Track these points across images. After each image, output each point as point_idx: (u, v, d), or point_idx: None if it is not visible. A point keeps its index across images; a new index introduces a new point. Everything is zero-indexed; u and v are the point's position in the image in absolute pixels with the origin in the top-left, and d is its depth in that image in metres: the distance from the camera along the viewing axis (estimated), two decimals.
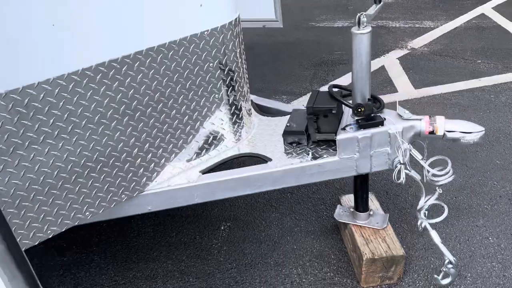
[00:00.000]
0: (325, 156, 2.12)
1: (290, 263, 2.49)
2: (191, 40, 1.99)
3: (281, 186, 2.13)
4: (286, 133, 2.24)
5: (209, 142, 2.22)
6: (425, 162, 2.05)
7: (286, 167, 2.09)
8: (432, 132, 2.06)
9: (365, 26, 1.96)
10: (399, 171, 2.05)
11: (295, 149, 2.22)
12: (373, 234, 2.35)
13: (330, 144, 2.20)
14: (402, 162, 2.04)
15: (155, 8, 1.86)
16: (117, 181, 1.95)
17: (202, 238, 2.74)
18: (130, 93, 1.86)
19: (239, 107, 2.28)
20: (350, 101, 2.16)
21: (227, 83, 2.17)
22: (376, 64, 4.89)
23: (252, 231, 2.75)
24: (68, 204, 1.81)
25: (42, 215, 1.74)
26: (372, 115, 2.08)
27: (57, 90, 1.66)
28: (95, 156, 1.84)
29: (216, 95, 2.16)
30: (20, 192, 1.66)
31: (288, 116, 2.51)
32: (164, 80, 1.94)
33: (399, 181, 2.06)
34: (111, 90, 1.80)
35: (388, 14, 6.67)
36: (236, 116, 2.28)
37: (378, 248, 2.26)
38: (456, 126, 2.05)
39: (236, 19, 2.14)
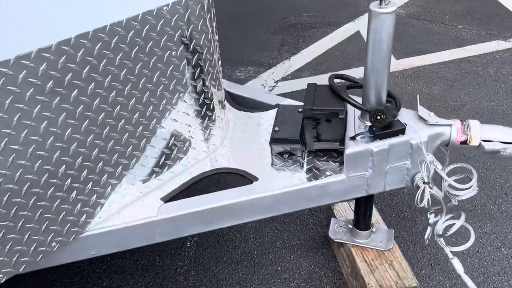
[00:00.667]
0: (327, 173, 1.62)
1: None
2: (143, 18, 1.36)
3: (272, 215, 1.62)
4: (275, 141, 1.70)
5: (170, 148, 1.64)
6: (445, 172, 1.61)
7: (278, 190, 1.57)
8: (464, 142, 1.60)
9: (389, 2, 1.41)
10: (423, 192, 1.60)
11: (286, 162, 1.70)
12: (378, 258, 1.93)
13: (332, 154, 1.70)
14: (426, 180, 1.59)
15: None
16: (43, 226, 1.35)
17: (164, 260, 2.21)
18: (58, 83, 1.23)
19: (209, 95, 1.69)
20: (359, 100, 1.65)
21: (193, 63, 1.57)
22: (350, 29, 4.37)
23: (225, 248, 2.26)
24: None
25: None
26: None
27: None
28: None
29: (178, 81, 1.55)
30: None
31: (271, 112, 1.96)
32: (101, 65, 1.32)
33: (421, 205, 1.61)
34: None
35: None
36: (206, 108, 1.70)
37: (386, 277, 1.85)
38: (495, 134, 1.60)
39: None
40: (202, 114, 1.70)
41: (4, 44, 1.12)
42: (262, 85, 3.64)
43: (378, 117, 1.49)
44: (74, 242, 1.46)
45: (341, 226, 2.07)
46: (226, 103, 1.95)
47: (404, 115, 1.64)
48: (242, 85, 3.53)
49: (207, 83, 1.66)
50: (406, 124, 1.57)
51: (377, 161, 1.57)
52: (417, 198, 1.60)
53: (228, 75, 3.67)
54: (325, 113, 1.59)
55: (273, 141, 1.70)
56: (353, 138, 1.58)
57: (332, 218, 2.11)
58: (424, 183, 1.59)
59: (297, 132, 1.69)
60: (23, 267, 1.35)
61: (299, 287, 2.06)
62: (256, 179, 1.63)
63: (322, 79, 3.59)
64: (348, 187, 1.61)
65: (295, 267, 2.16)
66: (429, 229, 1.77)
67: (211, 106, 1.72)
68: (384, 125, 1.53)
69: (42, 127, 1.24)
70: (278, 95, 3.52)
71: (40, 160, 1.27)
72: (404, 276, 1.84)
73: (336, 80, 1.75)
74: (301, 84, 3.55)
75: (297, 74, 3.73)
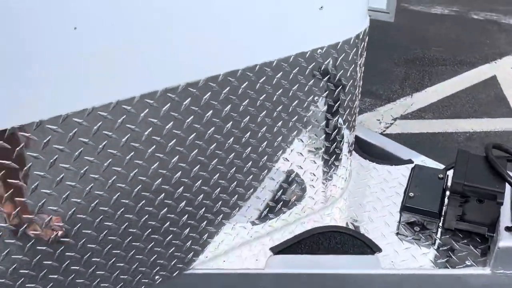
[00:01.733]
0: (467, 262, 1.36)
1: None
2: (295, 60, 1.23)
3: None
4: (408, 209, 1.48)
5: (288, 195, 1.50)
6: None
7: (406, 271, 1.36)
8: None
9: None
10: None
11: (416, 235, 1.47)
12: None
13: (474, 238, 1.44)
14: None
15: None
16: (152, 259, 1.29)
17: None
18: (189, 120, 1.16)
19: (341, 144, 1.53)
20: None
21: (333, 110, 1.42)
22: (484, 72, 3.92)
23: None
24: None
25: None
26: None
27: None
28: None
29: (313, 128, 1.41)
30: None
31: (402, 169, 1.74)
32: (242, 105, 1.22)
33: None
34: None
35: (499, 5, 5.51)
36: (334, 158, 1.53)
37: None
38: None
39: (365, 30, 1.36)
40: (329, 163, 1.54)
41: (151, 78, 1.06)
42: (377, 120, 3.38)
43: None
44: (176, 277, 1.38)
45: None
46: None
47: None
48: (358, 117, 3.33)
49: (342, 128, 1.50)
50: None
51: None
52: None
53: None
54: (479, 193, 1.34)
55: (406, 208, 1.48)
56: (510, 228, 1.31)
57: None
58: None
59: (435, 204, 1.46)
60: None
61: None
62: (378, 249, 1.43)
63: (448, 125, 3.24)
64: (491, 285, 1.34)
65: None
66: None
67: (340, 156, 1.55)
68: None
69: (173, 161, 1.17)
70: (395, 135, 3.27)
71: (163, 194, 1.20)
72: None
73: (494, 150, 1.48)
74: (423, 126, 3.24)
75: (419, 114, 3.41)
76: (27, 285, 1.09)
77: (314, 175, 1.52)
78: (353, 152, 1.84)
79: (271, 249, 1.46)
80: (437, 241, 1.45)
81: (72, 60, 0.94)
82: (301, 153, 1.44)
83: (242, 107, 1.20)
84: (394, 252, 1.42)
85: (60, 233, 1.09)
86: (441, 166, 1.71)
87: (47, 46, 0.90)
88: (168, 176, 1.19)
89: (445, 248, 1.42)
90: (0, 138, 0.93)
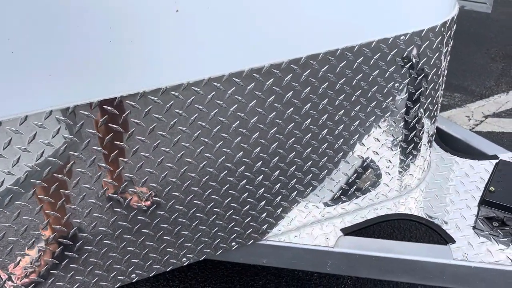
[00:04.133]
0: None
1: None
2: (377, 46, 1.27)
3: (460, 287, 1.40)
4: (487, 203, 1.44)
5: (363, 180, 1.53)
6: None
7: (479, 264, 1.34)
8: None
9: None
10: None
11: (494, 231, 1.43)
12: None
13: None
14: None
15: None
16: (230, 226, 1.41)
17: (321, 281, 2.15)
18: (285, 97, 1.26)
19: (420, 132, 1.53)
20: None
21: (413, 98, 1.42)
22: None
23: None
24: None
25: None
26: None
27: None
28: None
29: (392, 113, 1.43)
30: None
31: (486, 164, 1.68)
32: (321, 88, 1.28)
33: None
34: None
35: None
36: (412, 146, 1.54)
37: None
38: None
39: (452, 18, 1.34)
40: (406, 152, 1.54)
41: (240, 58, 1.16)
42: (467, 116, 3.22)
43: None
44: (250, 246, 1.49)
45: None
46: (433, 140, 1.75)
47: None
48: (446, 113, 3.20)
49: (421, 120, 1.49)
50: None
51: None
52: None
53: None
54: None
55: (485, 202, 1.44)
56: None
57: None
58: None
59: None
60: (203, 256, 1.44)
61: None
62: (452, 240, 1.42)
63: None
64: None
65: None
66: None
67: (419, 145, 1.55)
68: None
69: (253, 136, 1.28)
70: (485, 133, 3.09)
71: (243, 166, 1.31)
72: None
73: None
74: None
75: None
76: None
77: (390, 162, 1.53)
78: (435, 144, 1.81)
79: (342, 230, 1.52)
80: None
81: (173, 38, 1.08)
82: (378, 139, 1.46)
83: (321, 89, 1.27)
84: (468, 245, 1.39)
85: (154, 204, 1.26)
86: None
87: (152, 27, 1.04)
88: (248, 150, 1.29)
89: None
90: (110, 105, 1.09)
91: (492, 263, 1.33)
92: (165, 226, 1.32)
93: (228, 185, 1.33)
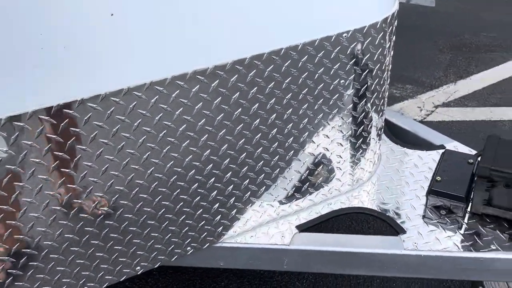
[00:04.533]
0: (492, 246, 1.36)
1: None
2: (320, 44, 1.28)
3: (413, 276, 1.44)
4: (435, 192, 1.49)
5: (315, 176, 1.55)
6: None
7: (428, 252, 1.38)
8: None
9: None
10: None
11: (442, 219, 1.49)
12: None
13: (501, 223, 1.43)
14: None
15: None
16: (184, 231, 1.39)
17: (283, 276, 2.17)
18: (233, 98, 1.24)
19: (368, 126, 1.56)
20: None
21: (360, 93, 1.45)
22: None
23: (348, 279, 2.12)
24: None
25: None
26: None
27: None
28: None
29: (339, 110, 1.45)
30: None
31: (433, 154, 1.74)
32: (268, 88, 1.28)
33: None
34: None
35: None
36: (362, 141, 1.57)
37: None
38: None
39: (393, 14, 1.37)
40: (356, 147, 1.57)
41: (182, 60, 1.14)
42: (418, 107, 3.33)
43: None
44: (207, 249, 1.48)
45: None
46: (383, 133, 1.79)
47: None
48: (398, 104, 3.29)
49: (369, 114, 1.52)
50: None
51: None
52: None
53: None
54: (506, 177, 1.34)
55: (432, 192, 1.49)
56: None
57: (480, 287, 1.81)
58: None
59: (463, 188, 1.46)
60: (158, 263, 1.41)
61: None
62: (403, 231, 1.46)
63: (493, 113, 3.13)
64: None
65: None
66: None
67: (368, 139, 1.58)
68: None
69: (202, 139, 1.26)
70: (436, 122, 3.20)
71: (193, 170, 1.29)
72: None
73: None
74: (465, 114, 3.16)
75: (462, 102, 3.32)
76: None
77: (341, 157, 1.56)
78: (385, 137, 1.86)
79: (297, 227, 1.53)
80: (463, 225, 1.45)
81: (113, 42, 1.04)
82: (327, 136, 1.48)
83: (268, 89, 1.27)
84: (418, 234, 1.44)
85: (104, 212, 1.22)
86: (473, 152, 1.69)
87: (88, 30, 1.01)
88: (197, 153, 1.28)
89: (471, 232, 1.42)
90: (47, 115, 1.05)
91: (441, 250, 1.37)
92: (115, 235, 1.28)
93: (179, 190, 1.30)
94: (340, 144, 1.52)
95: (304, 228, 1.52)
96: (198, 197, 1.35)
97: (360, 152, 1.59)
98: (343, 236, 1.47)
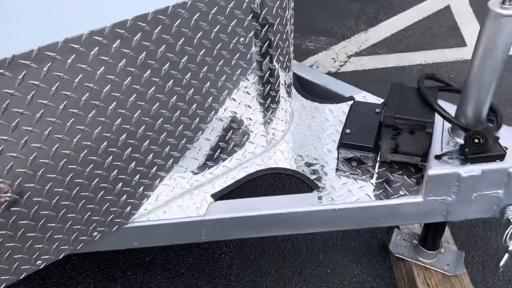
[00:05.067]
0: (401, 192, 1.40)
1: None
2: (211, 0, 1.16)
3: (331, 230, 1.46)
4: (345, 145, 1.49)
5: (226, 142, 1.49)
6: None
7: (342, 205, 1.39)
8: None
9: None
10: None
11: (354, 170, 1.50)
12: (442, 283, 1.71)
13: (409, 169, 1.47)
14: None
15: None
16: (85, 216, 1.27)
17: (209, 243, 2.13)
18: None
19: (276, 85, 1.50)
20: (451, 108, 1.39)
21: (263, 51, 1.38)
22: (438, 2, 3.88)
23: (273, 239, 2.13)
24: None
25: None
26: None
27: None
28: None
29: (243, 70, 1.37)
30: None
31: (343, 107, 1.74)
32: (159, 51, 1.16)
33: (509, 244, 1.37)
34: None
35: None
36: (270, 100, 1.51)
37: None
38: None
39: None
40: (266, 107, 1.51)
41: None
42: (332, 58, 3.35)
43: (476, 141, 1.24)
44: (117, 232, 1.38)
45: (404, 239, 1.86)
46: (293, 89, 1.75)
47: (504, 135, 1.36)
48: (313, 57, 3.28)
49: (275, 70, 1.45)
50: (507, 149, 1.31)
51: (464, 187, 1.33)
52: (506, 236, 1.35)
53: (297, 45, 3.41)
54: (410, 124, 1.36)
55: (342, 145, 1.49)
56: (438, 157, 1.34)
57: (396, 229, 1.90)
58: None
59: (371, 139, 1.47)
60: (63, 254, 1.29)
61: None
62: (317, 187, 1.45)
63: (401, 59, 3.23)
64: (424, 211, 1.39)
65: (346, 272, 2.00)
66: (506, 256, 1.52)
67: (276, 98, 1.53)
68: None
69: (89, 116, 1.13)
70: (350, 72, 3.25)
71: (85, 151, 1.16)
72: None
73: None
74: (376, 62, 3.23)
75: (373, 49, 3.39)
76: None
77: (251, 119, 1.50)
78: (296, 93, 1.82)
79: (212, 195, 1.47)
80: (374, 175, 1.48)
81: None
82: (234, 99, 1.41)
83: (159, 54, 1.15)
84: (331, 188, 1.44)
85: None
86: (381, 101, 1.71)
87: None
88: (87, 131, 1.14)
89: (381, 180, 1.45)
90: None
91: (354, 202, 1.39)
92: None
93: (72, 174, 1.17)
94: (249, 106, 1.46)
95: (220, 196, 1.47)
96: (96, 179, 1.23)
97: (271, 112, 1.54)
98: (258, 199, 1.44)
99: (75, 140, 1.13)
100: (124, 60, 1.10)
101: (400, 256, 1.81)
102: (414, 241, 1.81)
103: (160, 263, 2.06)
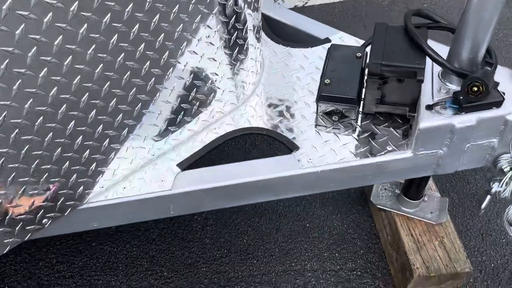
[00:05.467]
0: (388, 148, 1.27)
1: (301, 253, 1.83)
2: None
3: (314, 193, 1.32)
4: (324, 98, 1.32)
5: (190, 103, 1.28)
6: None
7: (325, 167, 1.24)
8: None
9: None
10: (510, 180, 1.26)
11: (335, 125, 1.34)
12: (426, 233, 1.65)
13: (395, 120, 1.33)
14: None
15: None
16: (29, 204, 1.07)
17: None
18: None
19: (243, 32, 1.28)
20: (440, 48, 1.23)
21: None
22: None
23: None
24: None
25: None
26: None
27: None
28: None
29: (201, 2, 1.12)
30: None
31: (319, 50, 1.54)
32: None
33: (503, 195, 1.28)
34: None
35: None
36: (238, 50, 1.30)
37: (434, 258, 1.59)
38: None
39: None
40: (233, 58, 1.30)
41: None
42: None
43: (475, 89, 1.09)
44: (73, 214, 1.19)
45: (385, 189, 1.77)
46: (262, 34, 1.52)
47: (501, 78, 1.23)
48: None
49: (241, 13, 1.22)
50: (504, 94, 1.18)
51: (458, 139, 1.20)
52: (501, 186, 1.27)
53: None
54: (398, 72, 1.19)
55: (322, 98, 1.31)
56: (430, 107, 1.19)
57: None
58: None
59: (353, 89, 1.30)
60: (7, 248, 1.11)
61: (330, 249, 1.84)
62: (296, 147, 1.29)
63: None
64: (413, 166, 1.27)
65: (325, 225, 1.91)
66: (488, 198, 1.46)
67: (245, 46, 1.31)
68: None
69: (14, 88, 0.89)
70: (317, 6, 3.00)
71: (16, 130, 0.94)
72: (456, 258, 1.59)
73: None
74: None
75: None
76: None
77: (217, 74, 1.29)
78: (266, 38, 1.60)
79: (179, 165, 1.29)
80: (357, 129, 1.33)
81: None
82: (194, 52, 1.18)
83: (96, 2, 0.90)
84: (312, 148, 1.29)
85: None
86: (360, 42, 1.53)
87: None
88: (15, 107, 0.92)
89: (366, 135, 1.30)
90: None
91: (337, 162, 1.25)
92: None
93: (3, 159, 0.96)
94: (213, 59, 1.24)
95: (188, 165, 1.29)
96: (37, 161, 1.02)
97: (238, 63, 1.33)
98: (231, 166, 1.27)
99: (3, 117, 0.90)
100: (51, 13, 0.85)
101: (383, 208, 1.73)
102: (396, 191, 1.73)
103: (128, 230, 1.90)
